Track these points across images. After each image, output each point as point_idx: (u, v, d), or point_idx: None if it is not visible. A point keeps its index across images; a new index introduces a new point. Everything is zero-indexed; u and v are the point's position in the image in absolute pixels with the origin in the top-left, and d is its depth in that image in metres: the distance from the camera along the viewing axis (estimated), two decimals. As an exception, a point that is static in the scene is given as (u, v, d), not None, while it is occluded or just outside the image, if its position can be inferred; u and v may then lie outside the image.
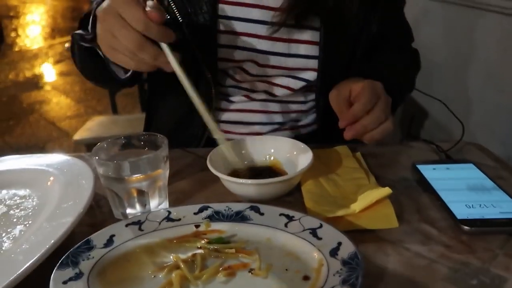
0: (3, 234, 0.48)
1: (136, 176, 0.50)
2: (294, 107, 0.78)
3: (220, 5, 0.68)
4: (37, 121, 3.63)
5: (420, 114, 1.61)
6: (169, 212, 0.48)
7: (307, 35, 0.71)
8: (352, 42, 0.73)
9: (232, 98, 0.77)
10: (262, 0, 0.69)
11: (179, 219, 0.48)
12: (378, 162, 0.65)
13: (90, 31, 0.58)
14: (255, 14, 0.69)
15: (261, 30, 0.69)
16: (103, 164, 0.49)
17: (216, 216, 0.48)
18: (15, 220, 0.51)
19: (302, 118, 0.80)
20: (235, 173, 0.58)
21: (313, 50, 0.71)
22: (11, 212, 0.53)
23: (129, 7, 0.49)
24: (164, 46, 0.51)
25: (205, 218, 0.47)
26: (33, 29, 8.63)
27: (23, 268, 0.38)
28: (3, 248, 0.46)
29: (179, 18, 0.68)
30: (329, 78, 0.72)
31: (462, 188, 0.55)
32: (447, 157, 0.66)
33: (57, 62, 5.76)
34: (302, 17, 0.69)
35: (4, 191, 0.58)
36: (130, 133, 0.56)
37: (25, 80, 4.96)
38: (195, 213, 0.48)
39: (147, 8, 0.50)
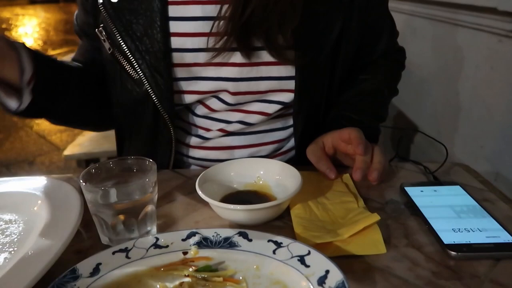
0: (-13, 262, 0.48)
1: (124, 202, 0.49)
2: (273, 136, 0.76)
3: (172, 38, 0.66)
4: (28, 135, 3.60)
5: (408, 132, 1.63)
6: (157, 239, 0.48)
7: (282, 55, 0.66)
8: (325, 61, 0.70)
9: (207, 134, 0.75)
10: (209, 26, 0.64)
11: (167, 246, 0.47)
12: (366, 184, 0.65)
13: None
14: (211, 42, 0.65)
15: (221, 58, 0.66)
16: (91, 190, 0.49)
17: (204, 243, 0.47)
18: (0, 246, 0.50)
19: (283, 146, 0.79)
20: (224, 196, 0.58)
21: (289, 71, 0.68)
22: (-4, 238, 0.52)
23: None
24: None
25: (193, 245, 0.47)
26: (26, 42, 8.62)
27: (6, 300, 0.38)
28: (-13, 277, 0.45)
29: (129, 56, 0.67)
30: (307, 98, 0.71)
31: (449, 211, 0.55)
32: (434, 179, 0.66)
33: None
34: (246, 39, 0.65)
35: (-11, 216, 0.57)
36: (118, 157, 0.56)
37: (15, 93, 4.91)
38: (183, 239, 0.48)
39: None
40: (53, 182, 0.61)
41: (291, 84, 0.69)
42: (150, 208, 0.52)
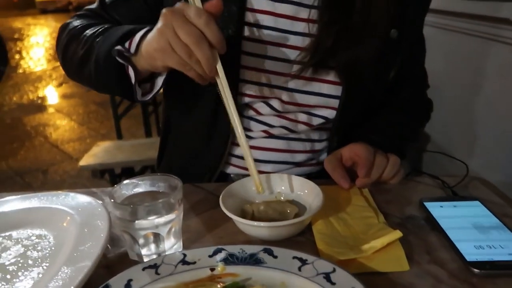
0: (21, 277, 0.49)
1: (151, 219, 0.51)
2: (309, 145, 0.80)
3: (244, 42, 0.70)
4: (41, 144, 3.66)
5: (426, 146, 1.63)
6: (185, 255, 0.49)
7: (330, 75, 0.72)
8: (371, 86, 0.75)
9: (251, 134, 0.78)
10: (286, 39, 0.70)
11: (194, 262, 0.48)
12: (385, 199, 0.66)
13: (133, 49, 0.60)
14: (279, 52, 0.71)
15: (285, 68, 0.71)
16: (119, 207, 0.51)
17: (230, 259, 0.49)
18: (32, 262, 0.52)
19: (315, 157, 0.82)
20: (247, 212, 0.60)
21: (335, 90, 0.73)
22: (28, 253, 0.54)
23: (194, 7, 0.54)
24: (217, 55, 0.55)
25: (219, 261, 0.48)
26: (37, 51, 8.77)
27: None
28: (22, 292, 0.47)
29: None
30: (346, 117, 0.75)
31: (469, 227, 0.56)
32: (453, 194, 0.67)
33: (60, 84, 5.83)
34: (325, 59, 0.70)
35: (20, 230, 0.59)
36: (146, 175, 0.57)
37: (29, 103, 5.01)
38: (209, 256, 0.49)
39: None
40: (80, 197, 0.62)
41: (335, 102, 0.74)
42: (176, 224, 0.53)
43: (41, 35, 11.73)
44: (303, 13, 0.70)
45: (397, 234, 0.51)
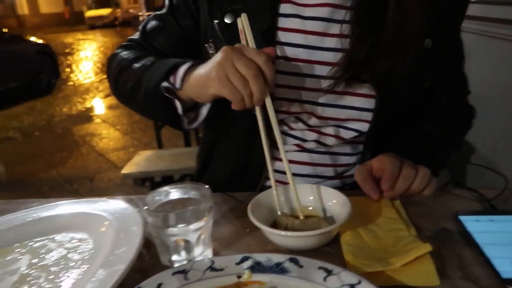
0: (62, 278, 0.53)
1: (182, 226, 0.53)
2: (342, 159, 0.80)
3: (276, 61, 0.72)
4: (88, 152, 3.84)
5: (463, 158, 1.57)
6: (213, 262, 0.51)
7: (364, 89, 0.72)
8: (406, 97, 0.74)
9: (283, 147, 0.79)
10: (316, 55, 0.71)
11: (222, 269, 0.50)
12: (418, 211, 0.65)
13: (178, 85, 0.66)
14: (310, 69, 0.72)
15: (316, 84, 0.72)
16: (152, 214, 0.53)
17: (257, 267, 0.50)
18: (73, 264, 0.56)
19: (347, 170, 0.81)
20: (275, 222, 0.60)
21: (368, 103, 0.72)
22: (69, 255, 0.58)
23: (253, 48, 0.61)
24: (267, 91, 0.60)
25: (246, 269, 0.49)
26: (86, 65, 9.27)
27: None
28: (63, 291, 0.50)
29: None
30: (380, 130, 0.74)
31: (506, 243, 0.54)
32: (491, 207, 0.64)
33: (106, 96, 6.13)
34: (358, 73, 0.70)
35: (63, 234, 0.63)
36: (178, 183, 0.59)
37: (77, 113, 5.30)
38: (237, 263, 0.50)
39: None
40: (117, 204, 0.66)
41: (368, 115, 0.73)
42: (205, 231, 0.55)
43: (89, 50, 12.40)
44: (334, 28, 0.71)
45: (427, 247, 0.50)
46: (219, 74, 0.59)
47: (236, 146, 0.81)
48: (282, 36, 0.72)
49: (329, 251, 0.56)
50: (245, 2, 0.73)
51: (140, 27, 0.86)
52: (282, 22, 0.72)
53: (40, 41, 6.72)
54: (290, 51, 0.72)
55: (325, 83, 0.71)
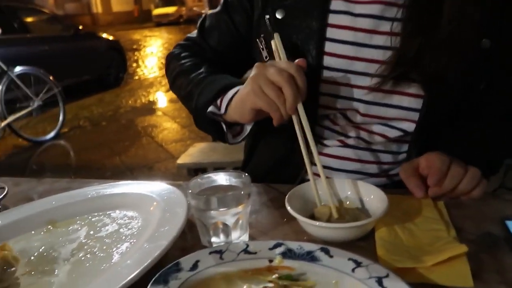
0: (114, 249, 0.59)
1: (222, 209, 0.56)
2: (386, 157, 0.79)
3: (325, 57, 0.73)
4: (149, 143, 4.06)
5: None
6: (247, 245, 0.53)
7: (412, 88, 0.71)
8: (458, 98, 0.72)
9: (326, 142, 0.80)
10: (364, 53, 0.72)
11: (255, 253, 0.52)
12: (463, 214, 0.63)
13: (223, 110, 0.71)
14: (358, 66, 0.72)
15: (363, 81, 0.72)
16: (195, 197, 0.57)
17: (288, 254, 0.52)
18: (123, 237, 0.61)
19: (392, 169, 0.80)
20: (312, 214, 0.62)
21: (416, 103, 0.71)
22: (121, 230, 0.64)
23: (283, 61, 0.64)
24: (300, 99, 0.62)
25: (278, 254, 0.52)
26: (151, 60, 9.75)
27: (125, 280, 0.47)
28: (113, 261, 0.56)
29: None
30: (426, 131, 0.73)
31: (555, 252, 0.51)
32: (544, 215, 0.61)
33: (168, 90, 6.40)
34: (407, 72, 0.70)
35: (117, 211, 0.70)
36: (220, 170, 0.63)
37: (141, 106, 5.60)
38: (270, 248, 0.53)
39: None
40: (166, 187, 0.71)
41: (415, 115, 0.72)
42: (243, 216, 0.58)
43: (155, 46, 13.00)
44: (383, 26, 0.70)
45: (462, 248, 0.49)
46: (254, 87, 0.62)
47: (278, 140, 0.83)
48: (331, 33, 0.73)
49: (363, 246, 0.56)
50: None
51: (197, 25, 0.91)
52: (332, 19, 0.73)
53: (110, 37, 7.20)
54: (338, 48, 0.73)
55: (372, 81, 0.71)
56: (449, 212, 0.63)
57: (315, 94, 0.74)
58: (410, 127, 0.74)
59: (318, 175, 0.80)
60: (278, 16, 0.75)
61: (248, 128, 0.75)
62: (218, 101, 0.72)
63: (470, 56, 0.67)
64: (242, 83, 0.69)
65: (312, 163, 0.66)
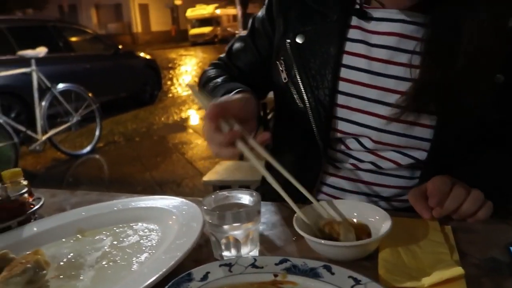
0: (134, 258, 0.64)
1: (234, 225, 0.60)
2: (398, 182, 0.80)
3: (340, 82, 0.77)
4: (178, 159, 4.17)
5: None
6: (255, 260, 0.57)
7: (424, 118, 0.73)
8: (470, 129, 0.73)
9: (339, 164, 0.83)
10: (379, 81, 0.75)
11: (262, 267, 0.56)
12: (469, 238, 0.64)
13: None
14: (372, 94, 0.75)
15: (377, 109, 0.75)
16: (209, 213, 0.61)
17: (293, 269, 0.55)
18: (143, 248, 0.66)
19: (404, 193, 0.81)
20: (320, 232, 0.65)
21: (428, 133, 0.73)
22: (141, 241, 0.69)
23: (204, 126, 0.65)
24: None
25: (283, 270, 0.55)
26: (185, 78, 10.04)
27: (141, 287, 0.51)
28: (132, 268, 0.61)
29: (303, 90, 0.79)
30: (438, 159, 0.74)
31: (557, 280, 0.51)
32: (552, 243, 0.61)
33: (200, 108, 6.57)
34: (425, 104, 0.72)
35: (139, 224, 0.75)
36: (234, 189, 0.67)
37: (173, 123, 5.77)
38: (276, 264, 0.56)
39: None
40: (185, 202, 0.76)
41: (426, 145, 0.74)
42: (254, 232, 0.62)
43: (189, 65, 13.40)
44: (399, 57, 0.73)
45: (459, 270, 0.50)
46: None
47: (294, 157, 0.87)
48: (347, 60, 0.77)
49: (367, 265, 0.59)
50: (316, 24, 0.79)
51: (226, 48, 0.98)
52: (349, 47, 0.77)
53: (148, 56, 7.50)
54: (353, 74, 0.76)
55: (389, 110, 0.74)
56: (456, 236, 0.64)
57: (328, 117, 0.78)
58: (422, 155, 0.76)
59: (331, 196, 0.83)
60: (298, 40, 0.80)
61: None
62: None
63: (485, 89, 0.69)
64: (246, 89, 0.75)
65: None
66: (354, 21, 0.77)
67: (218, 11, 27.90)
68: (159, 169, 3.92)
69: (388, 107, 0.74)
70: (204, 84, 0.91)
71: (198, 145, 4.63)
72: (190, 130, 5.31)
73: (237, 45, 0.95)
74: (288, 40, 0.81)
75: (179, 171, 3.83)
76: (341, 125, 0.79)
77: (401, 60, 0.73)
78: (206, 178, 2.13)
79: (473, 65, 0.68)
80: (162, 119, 6.03)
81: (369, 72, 0.75)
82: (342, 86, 0.77)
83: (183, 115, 6.23)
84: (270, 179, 0.64)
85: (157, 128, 5.54)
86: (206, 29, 25.45)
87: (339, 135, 0.80)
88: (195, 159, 4.13)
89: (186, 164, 4.01)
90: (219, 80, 0.87)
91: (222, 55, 0.99)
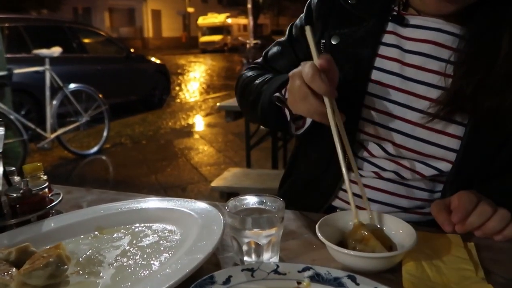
0: (153, 258, 0.63)
1: (255, 230, 0.60)
2: (420, 194, 0.80)
3: (370, 84, 0.77)
4: (184, 164, 4.17)
5: None
6: (278, 266, 0.57)
7: (452, 128, 0.73)
8: (499, 143, 0.72)
9: (362, 172, 0.82)
10: (409, 86, 0.75)
11: (285, 274, 0.56)
12: (493, 257, 0.63)
13: (287, 95, 0.73)
14: (401, 98, 0.75)
15: (404, 113, 0.75)
16: (232, 216, 0.61)
17: (316, 278, 0.54)
18: (162, 248, 0.66)
19: (425, 206, 0.81)
20: (341, 242, 0.64)
21: (455, 144, 0.73)
22: (161, 242, 0.68)
23: (307, 66, 0.63)
24: (326, 100, 0.64)
25: (306, 277, 0.54)
26: (193, 85, 10.10)
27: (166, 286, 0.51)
28: (152, 269, 0.61)
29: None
30: (463, 174, 0.74)
31: None
32: None
33: (207, 114, 6.60)
34: (454, 112, 0.72)
35: (157, 224, 0.75)
36: (257, 194, 0.67)
37: (180, 128, 5.79)
38: (299, 271, 0.56)
39: None
40: (205, 206, 0.76)
41: (452, 156, 0.74)
42: (276, 238, 0.61)
43: (198, 71, 13.48)
44: (431, 64, 0.74)
45: (488, 287, 0.50)
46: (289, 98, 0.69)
47: (316, 162, 0.87)
48: (380, 63, 0.78)
49: (390, 278, 0.58)
50: (352, 27, 0.80)
51: (263, 52, 1.00)
52: (383, 50, 0.78)
53: (158, 61, 7.57)
54: (384, 77, 0.77)
55: (414, 115, 0.74)
56: (479, 254, 0.63)
57: (356, 118, 0.78)
58: (446, 167, 0.75)
59: (355, 183, 0.82)
60: (333, 42, 0.81)
61: (309, 120, 0.75)
62: (283, 91, 0.77)
63: None
64: None
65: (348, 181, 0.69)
66: (390, 26, 0.78)
67: (229, 20, 28.16)
68: (164, 173, 3.92)
69: (416, 112, 0.74)
70: (247, 84, 0.91)
71: (204, 151, 4.64)
72: (197, 136, 5.32)
73: (274, 49, 0.97)
74: (323, 41, 0.82)
75: (185, 176, 3.83)
76: (368, 127, 0.78)
77: (434, 68, 0.74)
78: (214, 184, 2.13)
79: (507, 80, 0.68)
80: (170, 123, 6.05)
81: (401, 77, 0.76)
82: (372, 87, 0.77)
83: (190, 121, 6.25)
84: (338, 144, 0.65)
85: (164, 132, 5.56)
86: (216, 37, 25.66)
87: (364, 136, 0.80)
88: (200, 164, 4.13)
89: (191, 169, 4.01)
90: (268, 75, 0.87)
91: (259, 60, 1.01)
